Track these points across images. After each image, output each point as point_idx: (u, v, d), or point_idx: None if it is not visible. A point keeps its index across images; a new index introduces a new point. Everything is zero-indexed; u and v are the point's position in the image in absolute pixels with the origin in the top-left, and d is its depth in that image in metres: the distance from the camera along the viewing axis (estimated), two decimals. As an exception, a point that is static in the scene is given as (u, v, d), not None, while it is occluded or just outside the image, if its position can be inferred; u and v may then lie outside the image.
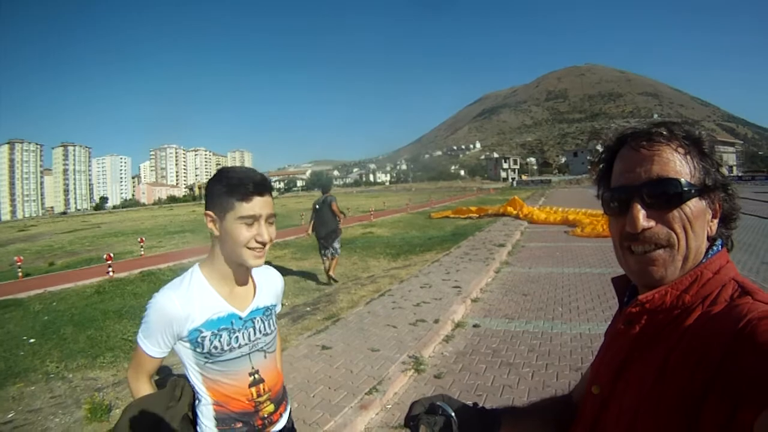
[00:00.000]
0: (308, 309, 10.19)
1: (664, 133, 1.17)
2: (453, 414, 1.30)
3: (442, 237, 21.98)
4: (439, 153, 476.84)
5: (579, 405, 1.41)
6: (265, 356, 2.27)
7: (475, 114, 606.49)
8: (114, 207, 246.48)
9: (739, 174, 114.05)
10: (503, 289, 11.34)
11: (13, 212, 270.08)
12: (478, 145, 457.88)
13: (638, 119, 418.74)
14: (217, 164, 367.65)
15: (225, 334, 2.09)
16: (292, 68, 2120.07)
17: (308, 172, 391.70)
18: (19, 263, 18.62)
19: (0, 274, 20.06)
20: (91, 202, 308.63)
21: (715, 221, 1.19)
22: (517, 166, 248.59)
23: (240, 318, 2.16)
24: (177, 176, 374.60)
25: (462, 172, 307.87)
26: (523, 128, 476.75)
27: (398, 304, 9.92)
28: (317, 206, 13.17)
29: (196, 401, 2.17)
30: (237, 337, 2.13)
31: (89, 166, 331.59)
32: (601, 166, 1.34)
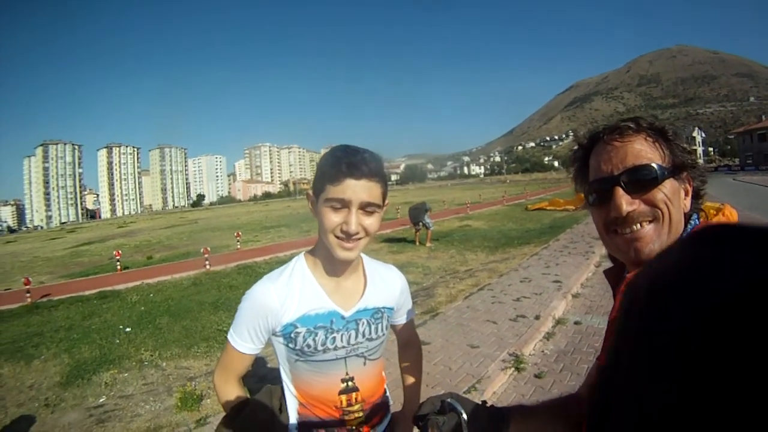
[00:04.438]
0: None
1: (632, 126, 1.29)
2: (463, 412, 1.32)
3: (540, 230, 21.59)
4: (532, 144, 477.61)
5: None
6: (364, 363, 1.93)
7: (567, 103, 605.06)
8: (211, 204, 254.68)
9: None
10: (604, 284, 10.43)
11: (113, 211, 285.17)
12: (571, 134, 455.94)
13: (734, 103, 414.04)
14: (310, 160, 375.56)
15: (321, 333, 1.80)
16: (384, 62, 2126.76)
17: (402, 166, 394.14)
18: (117, 257, 19.34)
19: (100, 267, 21.03)
20: (188, 200, 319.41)
21: (689, 198, 1.31)
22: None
23: (342, 317, 1.85)
24: (272, 173, 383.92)
25: (556, 164, 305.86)
26: (616, 116, 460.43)
27: (498, 299, 9.65)
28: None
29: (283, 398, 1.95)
30: (334, 338, 1.82)
31: (185, 166, 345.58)
32: (576, 165, 1.46)
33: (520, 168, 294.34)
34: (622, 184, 1.23)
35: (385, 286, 2.04)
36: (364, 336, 1.90)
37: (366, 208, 1.70)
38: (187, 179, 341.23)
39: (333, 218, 1.67)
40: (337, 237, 1.69)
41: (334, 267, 1.86)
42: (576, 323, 8.31)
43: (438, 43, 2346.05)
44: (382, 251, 18.11)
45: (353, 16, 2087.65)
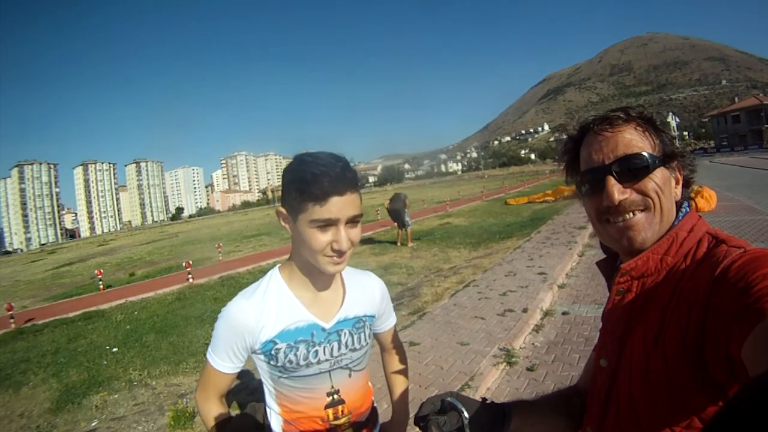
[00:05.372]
0: (392, 304, 9.82)
1: (622, 115, 1.29)
2: (464, 411, 1.29)
3: (521, 223, 21.70)
4: (508, 138, 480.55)
5: (589, 386, 1.46)
6: (349, 375, 1.90)
7: (540, 96, 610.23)
8: (190, 216, 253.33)
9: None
10: (589, 273, 10.89)
11: (92, 229, 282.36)
12: (546, 127, 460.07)
13: (706, 86, 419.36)
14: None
15: (302, 348, 1.76)
16: (356, 64, 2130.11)
17: (379, 168, 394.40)
18: (99, 276, 19.23)
19: (82, 288, 20.87)
20: (167, 214, 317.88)
21: (679, 187, 1.31)
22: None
23: (323, 330, 1.81)
24: (249, 182, 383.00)
25: (532, 156, 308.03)
26: (590, 106, 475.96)
27: (484, 295, 9.68)
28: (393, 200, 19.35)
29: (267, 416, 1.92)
30: (316, 352, 1.79)
31: (162, 179, 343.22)
32: (566, 156, 1.45)
33: (497, 163, 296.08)
34: (614, 173, 1.24)
35: (364, 293, 2.01)
36: (347, 347, 1.86)
37: (352, 221, 1.67)
38: (164, 193, 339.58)
39: (321, 239, 1.61)
40: (326, 255, 1.65)
41: (312, 279, 1.82)
42: (564, 313, 8.35)
43: (411, 42, 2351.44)
44: (364, 254, 18.09)
45: (323, 19, 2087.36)
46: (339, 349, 1.84)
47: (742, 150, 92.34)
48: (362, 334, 1.93)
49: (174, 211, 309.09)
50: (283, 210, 1.71)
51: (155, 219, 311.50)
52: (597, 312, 8.03)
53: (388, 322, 2.18)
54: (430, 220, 27.83)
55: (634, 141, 1.25)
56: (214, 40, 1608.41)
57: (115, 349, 9.68)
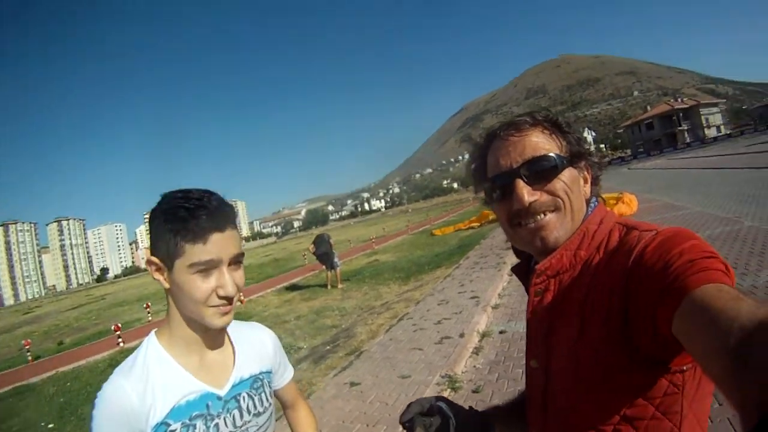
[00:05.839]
0: (328, 347, 9.95)
1: (528, 120, 1.33)
2: (451, 416, 1.32)
3: (448, 251, 21.87)
4: (430, 170, 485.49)
5: (526, 389, 1.45)
6: None
7: (459, 125, 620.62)
8: (116, 276, 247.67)
9: (728, 132, 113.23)
10: (520, 290, 10.68)
11: (16, 295, 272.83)
12: (467, 155, 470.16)
13: (619, 99, 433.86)
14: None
15: (200, 424, 1.49)
16: (268, 105, 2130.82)
17: (303, 212, 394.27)
18: (27, 347, 18.74)
19: (10, 360, 20.22)
20: (92, 275, 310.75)
21: (588, 185, 1.35)
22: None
23: (219, 398, 1.56)
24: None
25: (455, 185, 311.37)
26: None
27: (419, 326, 9.69)
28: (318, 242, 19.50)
29: None
30: (217, 425, 1.53)
31: (85, 238, 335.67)
32: (474, 164, 1.46)
33: (420, 195, 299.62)
34: (523, 176, 1.25)
35: (255, 347, 1.80)
36: (249, 413, 1.63)
37: (235, 261, 1.48)
38: (88, 252, 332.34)
39: (203, 286, 1.41)
40: (212, 306, 1.44)
41: (195, 340, 1.57)
42: (501, 332, 8.47)
43: (335, 75, 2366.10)
44: (294, 300, 18.05)
45: (243, 56, 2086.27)
46: (242, 417, 1.61)
47: (659, 153, 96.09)
48: (263, 395, 1.72)
49: (99, 272, 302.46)
50: (154, 259, 1.49)
51: (80, 281, 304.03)
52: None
53: (285, 375, 1.97)
54: (357, 259, 27.92)
55: (541, 143, 1.28)
56: (125, 92, 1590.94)
57: (51, 425, 9.39)
